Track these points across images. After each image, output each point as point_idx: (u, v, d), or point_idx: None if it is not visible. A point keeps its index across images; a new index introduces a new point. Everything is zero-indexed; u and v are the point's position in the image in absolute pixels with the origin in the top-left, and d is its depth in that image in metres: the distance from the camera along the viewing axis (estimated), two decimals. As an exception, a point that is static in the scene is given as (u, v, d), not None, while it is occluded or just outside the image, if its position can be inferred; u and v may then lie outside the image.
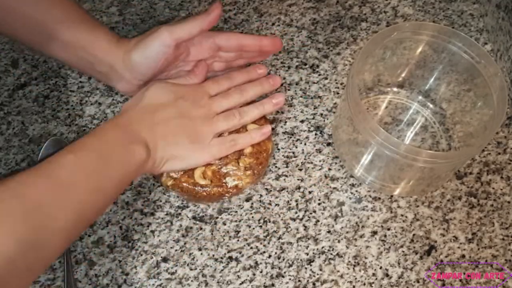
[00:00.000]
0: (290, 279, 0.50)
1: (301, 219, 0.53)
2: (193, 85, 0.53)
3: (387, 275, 0.50)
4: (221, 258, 0.51)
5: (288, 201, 0.54)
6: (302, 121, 0.59)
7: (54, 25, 0.50)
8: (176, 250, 0.51)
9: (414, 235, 0.52)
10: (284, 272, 0.50)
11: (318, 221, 0.53)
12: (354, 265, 0.51)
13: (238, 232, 0.52)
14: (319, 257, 0.51)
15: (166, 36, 0.50)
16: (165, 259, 0.51)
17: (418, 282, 0.50)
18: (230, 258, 0.51)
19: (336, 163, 0.56)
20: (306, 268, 0.51)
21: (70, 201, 0.40)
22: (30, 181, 0.38)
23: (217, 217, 0.53)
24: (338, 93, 0.61)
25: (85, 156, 0.42)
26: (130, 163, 0.45)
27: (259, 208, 0.54)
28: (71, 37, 0.50)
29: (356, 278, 0.50)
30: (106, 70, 0.52)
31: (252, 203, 0.53)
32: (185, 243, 0.52)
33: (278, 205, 0.54)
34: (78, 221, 0.41)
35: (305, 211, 0.53)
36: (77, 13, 0.52)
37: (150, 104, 0.49)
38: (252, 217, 0.53)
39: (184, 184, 0.51)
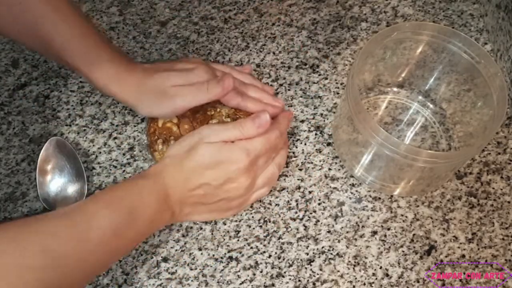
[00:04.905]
0: (290, 279, 0.50)
1: (301, 219, 0.53)
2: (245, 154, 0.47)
3: (387, 275, 0.50)
4: (221, 258, 0.51)
5: (288, 201, 0.54)
6: (302, 121, 0.59)
7: (60, 44, 0.48)
8: (176, 250, 0.51)
9: (414, 235, 0.52)
10: (284, 272, 0.50)
11: (318, 221, 0.53)
12: (354, 265, 0.51)
13: (238, 232, 0.52)
14: (319, 257, 0.51)
15: (180, 106, 0.50)
16: (165, 259, 0.51)
17: (418, 282, 0.50)
18: (230, 258, 0.51)
19: (336, 163, 0.56)
20: (306, 268, 0.51)
21: (90, 257, 0.40)
22: (57, 232, 0.38)
23: (217, 217, 0.53)
24: (338, 93, 0.61)
25: (117, 215, 0.42)
26: (153, 227, 0.46)
27: (259, 208, 0.54)
28: (75, 61, 0.49)
29: (356, 278, 0.50)
30: (113, 97, 0.52)
31: (252, 203, 0.53)
32: (185, 243, 0.52)
33: (278, 205, 0.54)
34: (90, 275, 0.42)
35: (305, 211, 0.54)
36: (85, 32, 0.49)
37: (190, 169, 0.46)
38: (252, 217, 0.53)
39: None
